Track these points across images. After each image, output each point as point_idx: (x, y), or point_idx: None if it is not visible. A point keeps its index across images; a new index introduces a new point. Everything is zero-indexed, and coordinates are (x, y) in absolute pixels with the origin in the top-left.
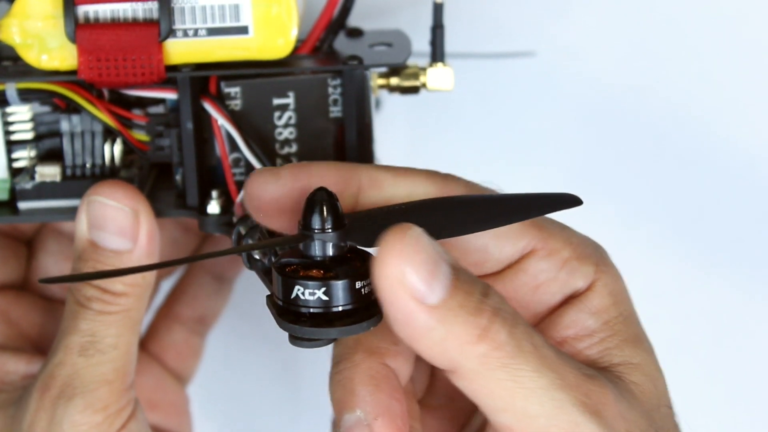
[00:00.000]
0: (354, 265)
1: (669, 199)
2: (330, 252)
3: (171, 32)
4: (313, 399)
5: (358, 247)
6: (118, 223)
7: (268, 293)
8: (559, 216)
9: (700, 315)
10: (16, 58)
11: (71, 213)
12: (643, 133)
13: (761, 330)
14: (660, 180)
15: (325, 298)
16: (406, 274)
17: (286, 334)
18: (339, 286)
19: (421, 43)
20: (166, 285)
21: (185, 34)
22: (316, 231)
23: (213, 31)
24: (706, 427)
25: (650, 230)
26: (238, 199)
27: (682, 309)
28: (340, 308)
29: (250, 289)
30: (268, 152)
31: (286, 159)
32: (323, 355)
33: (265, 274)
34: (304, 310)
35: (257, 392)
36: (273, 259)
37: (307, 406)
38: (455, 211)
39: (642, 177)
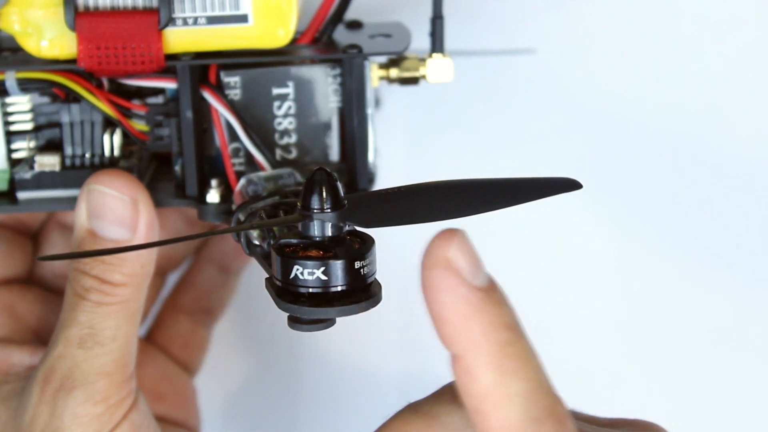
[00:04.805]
0: (353, 245)
1: (670, 196)
2: (329, 232)
3: (170, 20)
4: (314, 399)
5: (358, 228)
6: (117, 213)
7: (267, 276)
8: (558, 203)
9: (700, 315)
10: (15, 49)
11: (70, 203)
12: (644, 130)
13: (761, 330)
14: (661, 177)
15: (324, 277)
16: (457, 258)
17: (286, 335)
18: (338, 265)
19: (420, 42)
20: (173, 278)
21: (185, 22)
22: (315, 211)
23: (212, 20)
24: (707, 427)
25: (650, 228)
26: (238, 187)
27: (682, 309)
28: (339, 288)
29: (250, 291)
30: (268, 142)
31: (286, 149)
32: (323, 355)
33: (265, 259)
34: (303, 290)
35: (258, 392)
36: (272, 243)
37: (307, 406)
38: (455, 194)
39: (643, 174)
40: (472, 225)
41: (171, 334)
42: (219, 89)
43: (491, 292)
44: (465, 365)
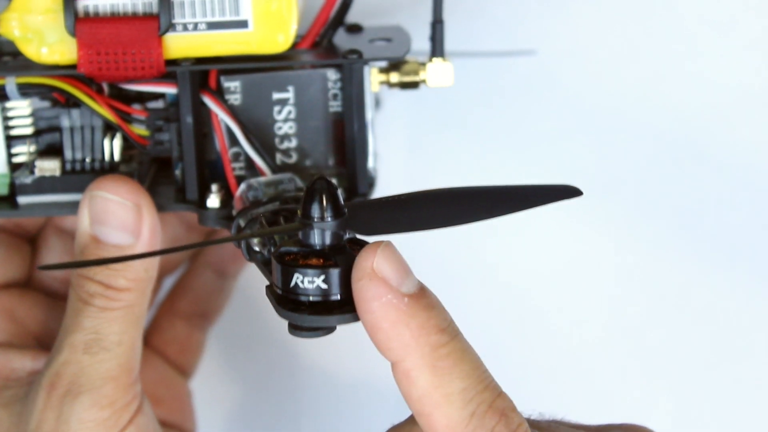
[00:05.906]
0: (353, 254)
1: (670, 197)
2: (329, 240)
3: (171, 26)
4: (313, 405)
5: (358, 236)
6: (120, 218)
7: (268, 283)
8: (559, 205)
9: (700, 315)
10: (16, 54)
11: (71, 207)
12: (644, 131)
13: (761, 330)
14: (661, 178)
15: (324, 286)
16: (382, 267)
17: (286, 341)
18: (338, 274)
19: (420, 42)
20: (169, 281)
21: (185, 28)
22: (315, 219)
23: (212, 25)
24: (706, 427)
25: (651, 228)
26: (238, 192)
27: (682, 309)
28: (339, 297)
29: (249, 292)
30: (268, 147)
31: (286, 154)
32: (322, 360)
33: (265, 266)
34: (303, 298)
35: (257, 397)
36: (272, 250)
37: (306, 411)
38: (456, 202)
39: (643, 175)
40: (473, 228)
41: (167, 337)
42: (219, 94)
43: (420, 297)
44: (402, 370)
